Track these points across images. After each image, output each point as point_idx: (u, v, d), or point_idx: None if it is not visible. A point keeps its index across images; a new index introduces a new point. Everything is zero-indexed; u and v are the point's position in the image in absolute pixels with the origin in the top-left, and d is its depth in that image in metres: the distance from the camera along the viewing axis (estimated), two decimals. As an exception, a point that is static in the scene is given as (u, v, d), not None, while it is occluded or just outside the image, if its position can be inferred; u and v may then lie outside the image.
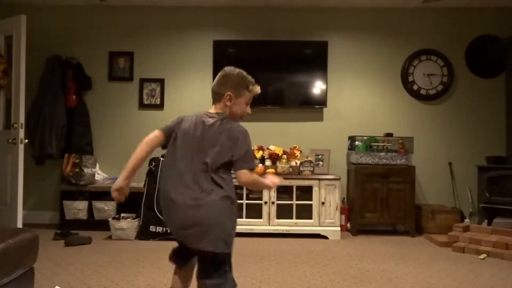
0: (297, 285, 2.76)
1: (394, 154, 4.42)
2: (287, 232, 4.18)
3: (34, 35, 4.56)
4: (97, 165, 4.68)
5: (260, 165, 4.32)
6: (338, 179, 4.23)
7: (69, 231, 4.01)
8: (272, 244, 3.91)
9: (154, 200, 4.07)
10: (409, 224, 4.33)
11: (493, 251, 3.56)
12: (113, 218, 4.11)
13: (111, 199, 4.37)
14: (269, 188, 1.85)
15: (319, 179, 4.22)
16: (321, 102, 4.71)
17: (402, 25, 4.83)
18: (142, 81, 4.83)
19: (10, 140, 3.75)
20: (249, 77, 1.87)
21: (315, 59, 4.72)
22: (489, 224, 4.20)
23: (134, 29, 4.85)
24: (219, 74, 1.87)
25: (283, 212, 4.21)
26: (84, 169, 4.37)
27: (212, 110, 1.86)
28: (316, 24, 4.82)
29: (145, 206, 4.10)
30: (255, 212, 4.20)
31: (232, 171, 1.79)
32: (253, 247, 3.78)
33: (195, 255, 1.85)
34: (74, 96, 4.63)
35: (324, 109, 4.78)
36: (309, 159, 4.41)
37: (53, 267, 3.06)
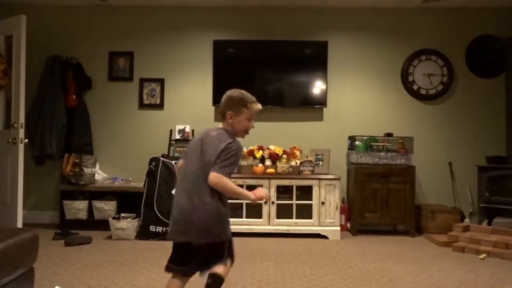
0: (297, 285, 2.76)
1: (394, 154, 4.42)
2: (287, 232, 4.18)
3: (34, 35, 4.56)
4: (97, 165, 4.68)
5: (260, 165, 4.33)
6: (338, 179, 4.24)
7: (69, 231, 4.01)
8: (272, 244, 3.91)
9: (154, 200, 4.07)
10: (409, 224, 4.33)
11: (493, 251, 3.56)
12: (113, 218, 4.12)
13: (111, 199, 4.41)
14: (251, 200, 1.94)
15: (319, 179, 4.22)
16: (321, 102, 4.71)
17: (402, 25, 4.83)
18: (142, 81, 4.83)
19: (10, 140, 3.75)
20: (249, 96, 2.08)
21: (315, 59, 4.72)
22: (489, 224, 4.20)
23: (134, 29, 4.85)
24: (223, 97, 2.10)
25: (283, 212, 4.21)
26: (84, 169, 4.37)
27: (220, 126, 2.11)
28: (316, 24, 4.83)
29: (145, 206, 4.10)
30: (255, 212, 4.19)
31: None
32: (253, 247, 3.78)
33: (192, 255, 1.96)
34: (74, 96, 4.63)
35: (324, 109, 4.78)
36: (309, 159, 4.41)
37: (53, 267, 3.06)
